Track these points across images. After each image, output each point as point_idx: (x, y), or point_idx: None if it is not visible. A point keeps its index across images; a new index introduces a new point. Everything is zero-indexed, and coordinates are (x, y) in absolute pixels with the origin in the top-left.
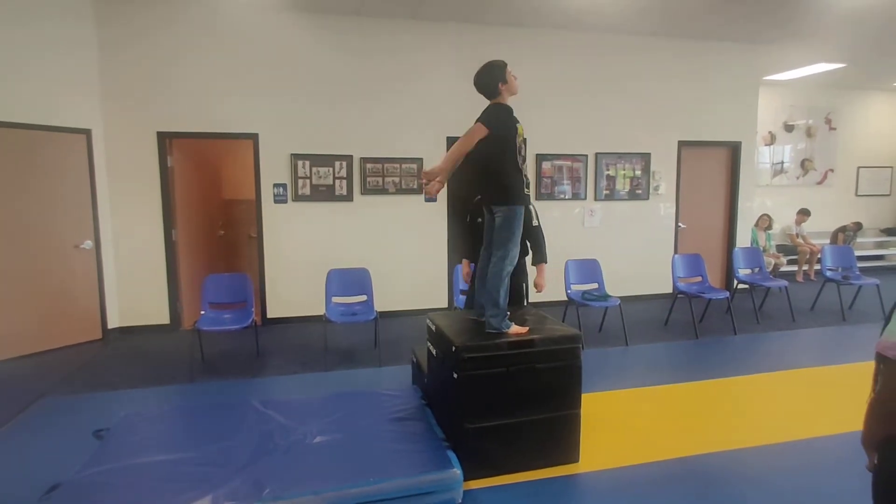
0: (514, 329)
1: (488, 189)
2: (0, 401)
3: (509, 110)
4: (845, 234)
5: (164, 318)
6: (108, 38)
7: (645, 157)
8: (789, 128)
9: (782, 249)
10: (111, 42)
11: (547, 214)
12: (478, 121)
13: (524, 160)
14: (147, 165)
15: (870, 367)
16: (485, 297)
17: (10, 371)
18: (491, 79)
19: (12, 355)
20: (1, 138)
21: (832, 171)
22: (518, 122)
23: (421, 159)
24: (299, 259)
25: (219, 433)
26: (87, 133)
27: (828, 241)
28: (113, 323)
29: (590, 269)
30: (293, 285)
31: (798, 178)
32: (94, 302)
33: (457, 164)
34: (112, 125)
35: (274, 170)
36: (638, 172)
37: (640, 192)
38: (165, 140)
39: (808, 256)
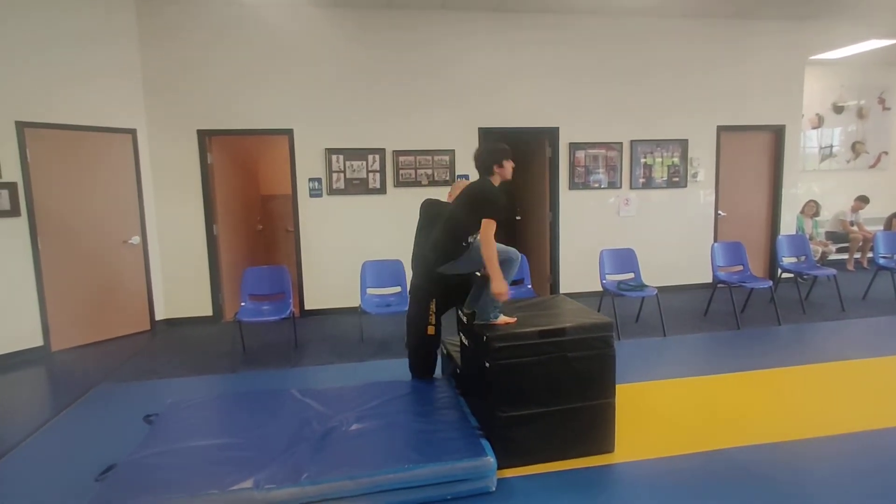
0: (503, 319)
1: (446, 242)
2: (61, 387)
3: (501, 195)
4: None
5: (206, 310)
6: (149, 44)
7: (682, 144)
8: (839, 109)
9: (831, 237)
10: (151, 48)
11: (581, 204)
12: (483, 218)
13: None
14: (188, 163)
15: None
16: (484, 295)
17: (69, 359)
18: (491, 159)
19: (71, 345)
20: (58, 139)
21: (886, 153)
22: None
23: (453, 151)
24: (335, 251)
25: (259, 420)
26: (132, 133)
27: (881, 227)
28: (160, 315)
29: (625, 258)
30: (329, 277)
31: (848, 161)
32: (143, 295)
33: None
34: (155, 125)
35: (309, 164)
36: (675, 160)
37: (677, 179)
38: (205, 138)
39: (860, 244)
